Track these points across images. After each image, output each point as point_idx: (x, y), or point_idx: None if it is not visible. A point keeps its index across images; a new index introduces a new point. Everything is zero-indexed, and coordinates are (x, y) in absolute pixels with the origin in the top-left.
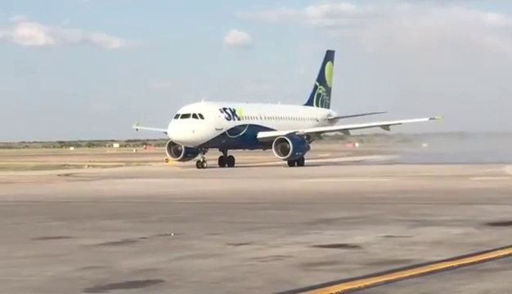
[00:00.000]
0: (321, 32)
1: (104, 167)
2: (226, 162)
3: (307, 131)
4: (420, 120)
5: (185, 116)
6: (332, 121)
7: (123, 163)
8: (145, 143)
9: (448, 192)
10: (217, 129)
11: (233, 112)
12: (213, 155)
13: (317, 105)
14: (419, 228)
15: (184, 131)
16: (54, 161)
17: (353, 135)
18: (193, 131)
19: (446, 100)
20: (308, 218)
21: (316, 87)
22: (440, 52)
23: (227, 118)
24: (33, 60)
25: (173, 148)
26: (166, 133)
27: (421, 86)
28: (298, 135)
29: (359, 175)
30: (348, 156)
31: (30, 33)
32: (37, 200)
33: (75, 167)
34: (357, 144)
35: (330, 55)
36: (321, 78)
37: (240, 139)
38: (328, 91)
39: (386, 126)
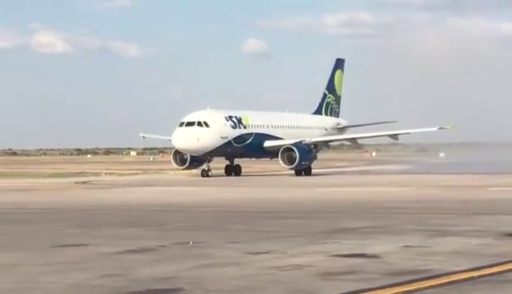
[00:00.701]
0: (338, 41)
1: (121, 174)
2: (232, 170)
3: (314, 140)
4: (429, 130)
5: (189, 124)
6: (341, 130)
7: (140, 171)
8: (162, 151)
9: (466, 202)
10: (222, 137)
11: (239, 120)
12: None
13: (326, 114)
14: (438, 238)
15: (188, 140)
16: (71, 168)
17: (370, 145)
18: (198, 140)
19: (462, 110)
20: (326, 227)
21: (325, 96)
22: (456, 62)
23: (233, 127)
24: (50, 68)
25: (179, 156)
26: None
27: (436, 96)
28: (304, 144)
29: (376, 185)
30: (365, 165)
31: (48, 41)
32: (55, 207)
33: (92, 175)
34: (374, 154)
35: (339, 64)
36: (331, 87)
37: (246, 147)
38: (337, 99)
39: (395, 136)
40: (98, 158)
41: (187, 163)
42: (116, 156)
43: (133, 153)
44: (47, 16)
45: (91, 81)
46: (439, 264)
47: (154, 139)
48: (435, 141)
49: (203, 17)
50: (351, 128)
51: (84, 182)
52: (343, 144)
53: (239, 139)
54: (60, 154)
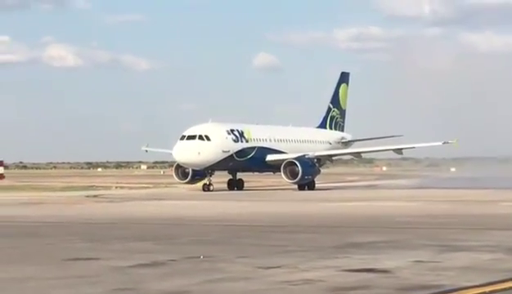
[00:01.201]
0: (348, 55)
1: (131, 188)
2: (235, 185)
3: (317, 154)
4: (434, 144)
5: (191, 137)
6: (346, 144)
7: (150, 185)
8: (171, 165)
9: (477, 217)
10: (223, 151)
11: (241, 133)
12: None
13: (331, 128)
14: (449, 253)
15: (189, 153)
16: (82, 182)
17: (381, 159)
18: (199, 153)
19: (474, 124)
20: (337, 242)
21: (329, 109)
22: (467, 77)
23: (235, 140)
24: (62, 81)
25: (181, 170)
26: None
27: (447, 111)
28: (307, 158)
29: (386, 199)
30: (376, 179)
31: (60, 54)
32: (66, 221)
33: (103, 189)
34: (384, 168)
35: (344, 77)
36: (335, 101)
37: (249, 161)
38: (342, 113)
39: (399, 150)
40: (108, 171)
41: (189, 177)
42: (127, 170)
43: (144, 166)
44: (58, 30)
45: (101, 94)
46: (451, 279)
47: (158, 152)
48: (446, 156)
49: (213, 31)
50: (356, 142)
51: (95, 196)
52: (353, 159)
53: (241, 153)
54: (70, 168)
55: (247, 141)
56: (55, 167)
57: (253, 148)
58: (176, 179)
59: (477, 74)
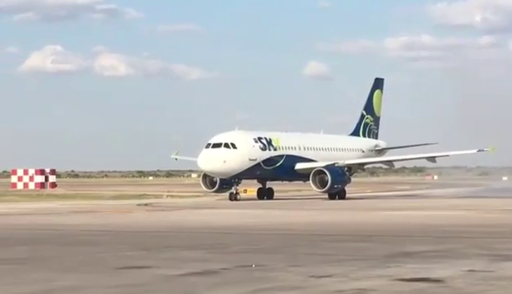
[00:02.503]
0: (400, 64)
1: (182, 197)
2: (265, 194)
3: (347, 162)
4: (468, 152)
5: (216, 145)
6: (380, 152)
7: (201, 194)
8: None
9: None
10: (250, 159)
11: (269, 141)
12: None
13: (364, 135)
14: (503, 262)
15: (214, 162)
16: (133, 190)
17: (432, 168)
18: (224, 162)
19: None
20: (388, 251)
21: (363, 116)
22: None
23: (262, 148)
24: (113, 90)
25: (208, 179)
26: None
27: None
28: (337, 166)
29: (438, 208)
30: (427, 188)
31: (111, 64)
32: (118, 229)
33: (154, 197)
34: (435, 177)
35: (378, 84)
36: (369, 107)
37: (277, 170)
38: (376, 120)
39: (432, 159)
40: (159, 180)
41: (217, 186)
42: (177, 178)
43: (194, 175)
44: (110, 39)
45: (152, 104)
46: (504, 289)
47: (187, 160)
48: (497, 165)
49: (265, 41)
50: (391, 150)
51: (146, 204)
52: (404, 168)
53: (268, 161)
54: (121, 176)
55: (275, 149)
56: (106, 176)
57: (282, 156)
58: (203, 188)
59: None
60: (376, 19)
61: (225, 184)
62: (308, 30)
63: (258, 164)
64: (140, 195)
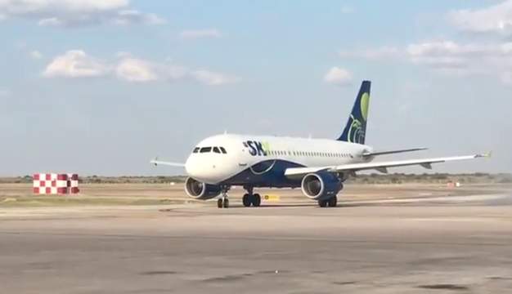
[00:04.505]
0: (423, 70)
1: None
2: (250, 200)
3: (340, 167)
4: (465, 157)
5: (205, 149)
6: (368, 157)
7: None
8: None
9: None
10: (240, 164)
11: (259, 146)
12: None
13: (351, 140)
14: None
15: (203, 167)
16: (155, 196)
17: (454, 175)
18: (213, 167)
19: None
20: (412, 257)
21: (350, 121)
22: None
23: (252, 153)
24: (135, 95)
25: (193, 185)
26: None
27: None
28: (329, 172)
29: (461, 215)
30: (450, 195)
31: (134, 69)
32: (140, 235)
33: (176, 202)
34: (458, 184)
35: (365, 87)
36: (357, 111)
37: (266, 175)
38: (363, 124)
39: (427, 164)
40: (181, 185)
41: (202, 192)
42: None
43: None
44: (133, 45)
45: (175, 109)
46: None
47: (168, 166)
48: None
49: (287, 47)
50: (378, 156)
51: (168, 210)
52: (426, 174)
53: (258, 166)
54: (143, 182)
55: (265, 154)
56: (128, 181)
57: (272, 161)
58: (188, 194)
59: None
60: (399, 25)
61: (211, 190)
62: (331, 36)
63: (248, 169)
64: (162, 200)
